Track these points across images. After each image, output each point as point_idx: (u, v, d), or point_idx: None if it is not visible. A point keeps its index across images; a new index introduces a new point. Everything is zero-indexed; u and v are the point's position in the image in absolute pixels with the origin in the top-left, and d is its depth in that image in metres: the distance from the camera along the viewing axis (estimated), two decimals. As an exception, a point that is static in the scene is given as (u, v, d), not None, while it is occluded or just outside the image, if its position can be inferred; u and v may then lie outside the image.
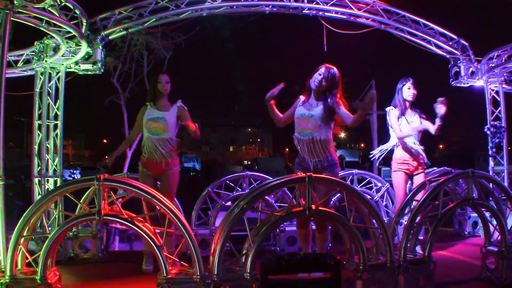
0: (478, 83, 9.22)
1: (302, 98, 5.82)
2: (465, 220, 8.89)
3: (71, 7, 6.67)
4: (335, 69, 5.68)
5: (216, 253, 4.34)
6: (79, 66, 7.83)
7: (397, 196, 6.87)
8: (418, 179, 6.79)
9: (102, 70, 8.01)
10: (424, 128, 6.84)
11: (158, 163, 6.28)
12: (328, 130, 5.67)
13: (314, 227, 5.92)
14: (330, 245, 7.70)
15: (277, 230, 7.53)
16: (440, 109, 6.58)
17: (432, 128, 6.75)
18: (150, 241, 4.33)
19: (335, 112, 5.63)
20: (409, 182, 6.99)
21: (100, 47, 7.80)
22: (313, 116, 5.64)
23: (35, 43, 7.51)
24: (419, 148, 6.82)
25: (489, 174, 7.01)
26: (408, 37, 8.84)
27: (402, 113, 6.86)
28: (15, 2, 5.35)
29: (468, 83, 9.25)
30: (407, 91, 6.88)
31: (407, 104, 6.90)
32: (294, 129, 5.77)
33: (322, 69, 5.67)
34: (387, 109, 6.95)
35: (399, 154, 6.84)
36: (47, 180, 7.56)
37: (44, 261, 4.26)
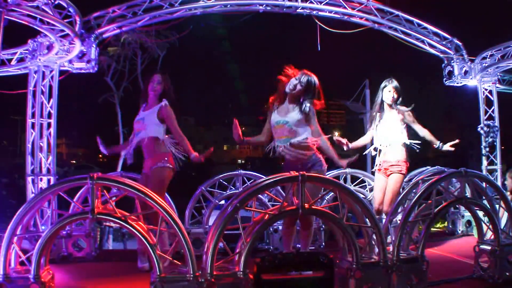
0: (472, 82, 9.26)
1: (275, 105, 5.80)
2: (459, 219, 8.92)
3: (65, 5, 6.66)
4: (314, 77, 5.67)
5: (209, 251, 4.34)
6: (73, 65, 7.82)
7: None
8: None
9: (95, 69, 7.99)
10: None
11: (146, 161, 6.29)
12: (306, 131, 5.63)
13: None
14: (323, 244, 7.73)
15: (271, 229, 7.54)
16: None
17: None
18: (144, 240, 4.32)
19: (309, 117, 5.62)
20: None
21: (94, 45, 7.79)
22: (287, 122, 5.62)
23: (29, 41, 7.49)
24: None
25: (482, 173, 7.05)
26: (402, 36, 8.86)
27: (379, 114, 6.89)
28: (9, 0, 5.35)
29: (461, 83, 9.29)
30: (387, 94, 6.87)
31: (385, 105, 6.91)
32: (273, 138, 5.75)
33: (299, 74, 5.67)
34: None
35: (402, 156, 6.83)
36: (41, 178, 7.55)
37: (37, 260, 4.26)
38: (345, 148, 6.69)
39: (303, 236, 5.80)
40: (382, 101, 6.93)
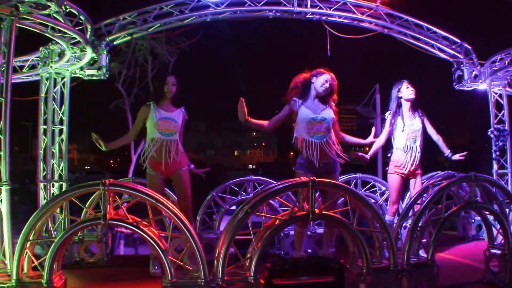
0: (482, 86, 9.22)
1: (298, 100, 5.88)
2: (469, 223, 8.90)
3: (76, 13, 6.71)
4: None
5: (220, 257, 4.37)
6: (84, 72, 7.85)
7: (390, 197, 6.95)
8: (416, 182, 6.85)
9: (107, 75, 8.02)
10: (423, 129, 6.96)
11: (168, 164, 6.20)
12: (333, 133, 5.95)
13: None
14: (334, 248, 7.74)
15: (281, 234, 7.54)
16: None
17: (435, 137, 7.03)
18: (155, 245, 4.36)
19: (337, 117, 6.02)
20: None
21: (105, 52, 7.83)
22: (325, 119, 5.86)
23: (40, 48, 7.53)
24: (417, 153, 6.83)
25: (492, 178, 7.02)
26: (411, 41, 8.83)
27: (402, 117, 6.87)
28: (21, 9, 5.40)
29: (471, 87, 9.24)
30: (406, 90, 6.88)
31: (408, 105, 6.91)
32: (298, 132, 5.89)
33: (327, 76, 5.92)
34: (386, 114, 6.98)
35: (397, 157, 6.84)
36: (53, 184, 7.59)
37: (50, 265, 4.30)
38: (365, 162, 6.73)
39: (328, 234, 6.06)
40: (400, 102, 6.94)
